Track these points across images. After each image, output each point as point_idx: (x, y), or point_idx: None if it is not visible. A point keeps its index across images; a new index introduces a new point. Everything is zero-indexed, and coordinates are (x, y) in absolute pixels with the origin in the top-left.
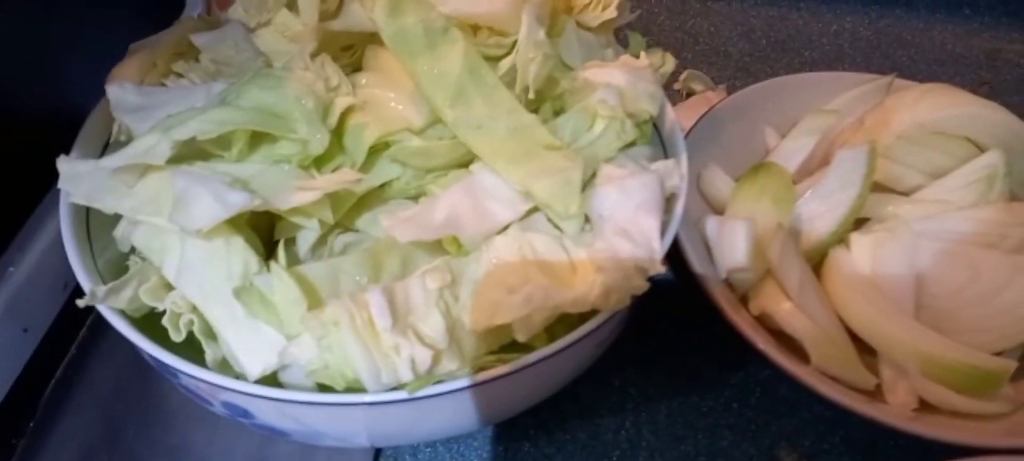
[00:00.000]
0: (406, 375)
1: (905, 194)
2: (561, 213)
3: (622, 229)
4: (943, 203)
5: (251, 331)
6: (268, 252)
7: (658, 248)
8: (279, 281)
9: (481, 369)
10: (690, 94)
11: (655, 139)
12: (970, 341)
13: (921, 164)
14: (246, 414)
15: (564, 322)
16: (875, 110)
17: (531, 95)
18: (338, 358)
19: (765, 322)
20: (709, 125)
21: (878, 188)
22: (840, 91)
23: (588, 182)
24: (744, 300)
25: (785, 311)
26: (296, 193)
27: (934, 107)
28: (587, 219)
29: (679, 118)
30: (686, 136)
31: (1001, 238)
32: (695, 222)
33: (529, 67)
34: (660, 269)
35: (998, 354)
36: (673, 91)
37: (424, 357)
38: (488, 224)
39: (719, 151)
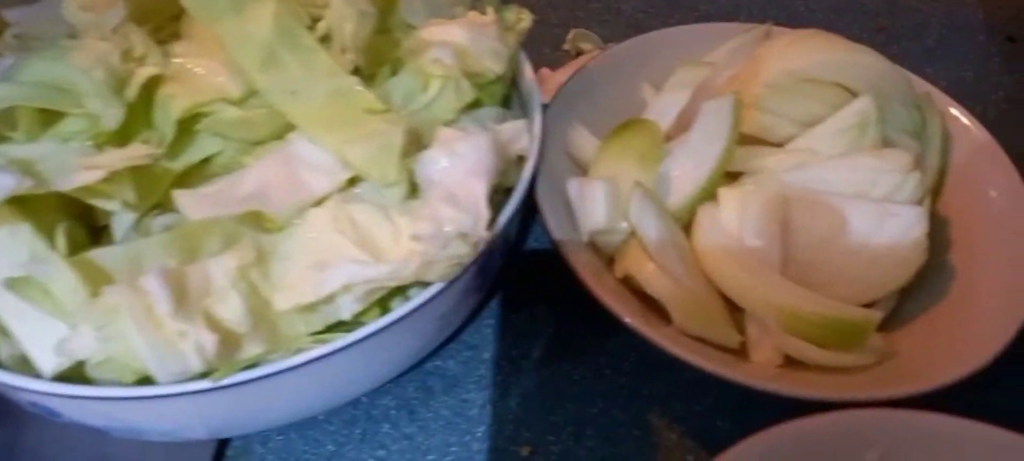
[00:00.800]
0: (195, 363)
1: (779, 145)
2: (380, 180)
3: (450, 195)
4: (813, 153)
5: (41, 325)
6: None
7: (485, 214)
8: (55, 269)
9: (300, 351)
10: (579, 54)
11: (518, 101)
12: (841, 292)
13: (794, 113)
14: (54, 413)
15: (404, 295)
16: (748, 60)
17: (350, 55)
18: (122, 349)
19: (631, 285)
20: (582, 83)
21: (752, 141)
22: (720, 43)
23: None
24: (612, 264)
25: (648, 272)
26: (80, 173)
27: (803, 53)
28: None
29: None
30: (557, 96)
31: (871, 185)
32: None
33: (344, 26)
34: (485, 236)
35: (872, 304)
36: (562, 52)
37: (210, 342)
38: (301, 196)
39: (594, 111)
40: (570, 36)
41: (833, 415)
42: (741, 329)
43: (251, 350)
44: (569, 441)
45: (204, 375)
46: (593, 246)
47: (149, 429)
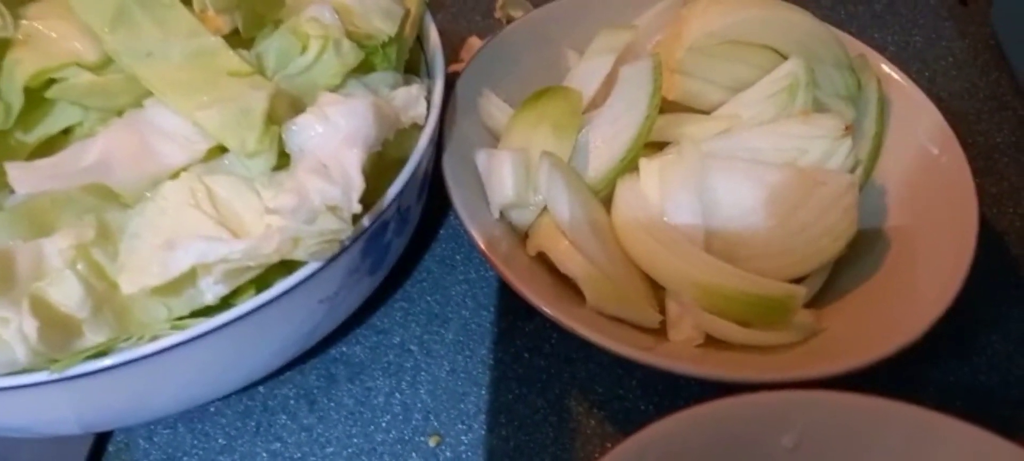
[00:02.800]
0: (22, 352)
1: (708, 112)
2: (238, 149)
3: (320, 165)
4: (739, 119)
5: None
6: None
7: (358, 185)
8: None
9: (155, 339)
10: (510, 21)
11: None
12: (769, 267)
13: (721, 78)
14: None
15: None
16: (674, 21)
17: (223, 17)
18: None
19: (546, 262)
20: (499, 49)
21: (677, 108)
22: (649, 6)
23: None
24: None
25: (560, 250)
26: None
27: (724, 13)
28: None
29: None
30: (471, 62)
31: (800, 153)
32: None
33: None
34: (357, 209)
35: (802, 279)
36: (493, 19)
37: (32, 329)
38: (152, 168)
39: (512, 79)
40: (500, 3)
41: (748, 397)
42: (662, 308)
43: (94, 338)
44: (481, 430)
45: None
46: (506, 223)
47: (5, 424)
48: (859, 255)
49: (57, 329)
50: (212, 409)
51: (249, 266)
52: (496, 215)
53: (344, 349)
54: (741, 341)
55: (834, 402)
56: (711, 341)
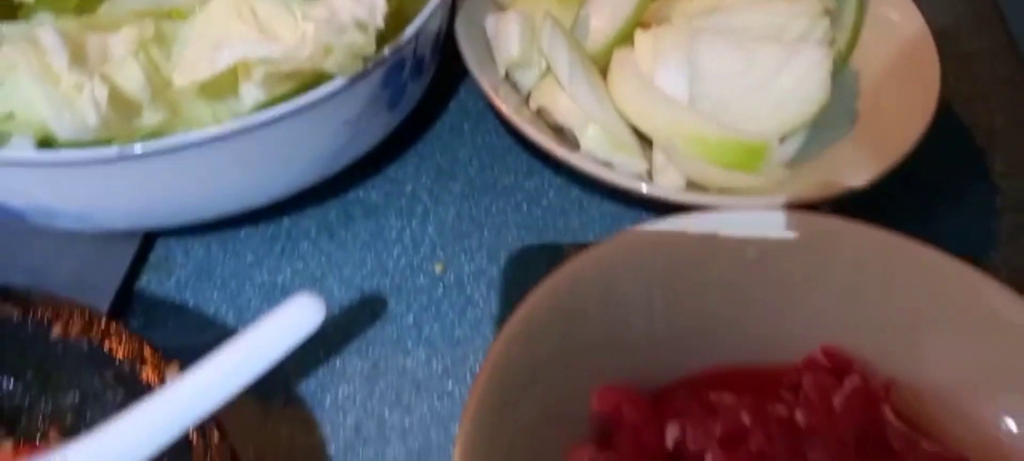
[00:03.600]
0: (91, 116)
1: None
2: None
3: None
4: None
5: None
6: None
7: (382, 6)
8: None
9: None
10: None
11: None
12: (748, 128)
13: None
14: None
15: None
16: None
17: None
18: (22, 103)
19: (545, 118)
20: None
21: None
22: None
23: None
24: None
25: (560, 104)
26: None
27: None
28: None
29: None
30: None
31: (781, 30)
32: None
33: None
34: (380, 25)
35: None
36: None
37: (103, 96)
38: None
39: None
40: None
41: (716, 213)
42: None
43: (150, 119)
44: (482, 262)
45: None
46: (511, 85)
47: (63, 211)
48: (831, 124)
49: (121, 104)
50: (242, 233)
51: (285, 72)
52: (502, 73)
53: (361, 194)
54: (722, 183)
55: (795, 219)
56: (692, 188)
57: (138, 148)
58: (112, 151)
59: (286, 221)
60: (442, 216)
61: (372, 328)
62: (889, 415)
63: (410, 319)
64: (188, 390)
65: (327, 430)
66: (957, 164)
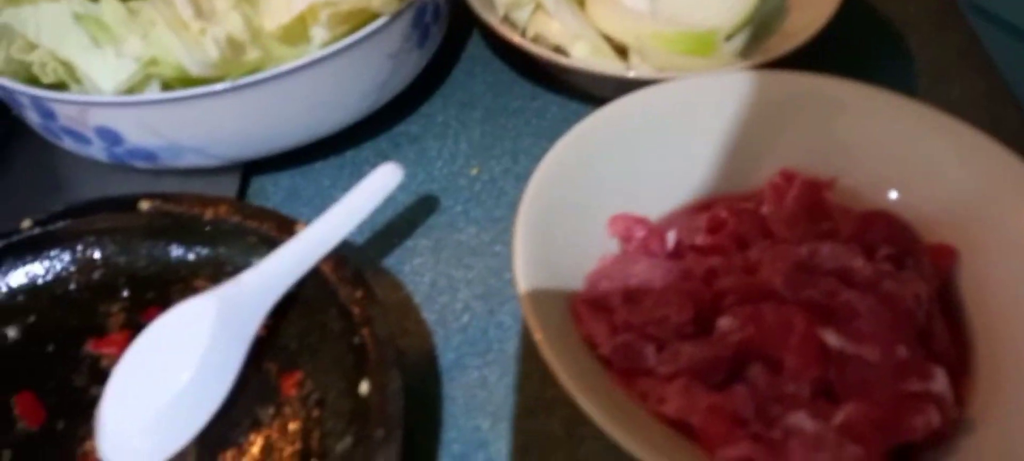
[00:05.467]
0: (213, 51)
1: None
2: None
3: None
4: None
5: (100, 57)
6: None
7: None
8: (107, 5)
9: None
10: None
11: None
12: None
13: None
14: (117, 139)
15: None
16: None
17: None
18: (161, 49)
19: (541, 43)
20: None
21: None
22: None
23: None
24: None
25: (552, 27)
26: None
27: None
28: None
29: None
30: None
31: None
32: None
33: None
34: None
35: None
36: None
37: (222, 35)
38: None
39: None
40: None
41: (675, 83)
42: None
43: (252, 55)
44: (508, 163)
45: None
46: (510, 23)
47: (186, 144)
48: (773, 17)
49: (231, 45)
50: (316, 166)
51: (344, 13)
52: (501, 15)
53: (402, 128)
54: (684, 67)
55: (748, 76)
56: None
57: (244, 81)
58: (226, 85)
59: (349, 153)
60: (470, 135)
61: (430, 217)
62: (830, 198)
63: (458, 208)
64: (314, 235)
65: (410, 288)
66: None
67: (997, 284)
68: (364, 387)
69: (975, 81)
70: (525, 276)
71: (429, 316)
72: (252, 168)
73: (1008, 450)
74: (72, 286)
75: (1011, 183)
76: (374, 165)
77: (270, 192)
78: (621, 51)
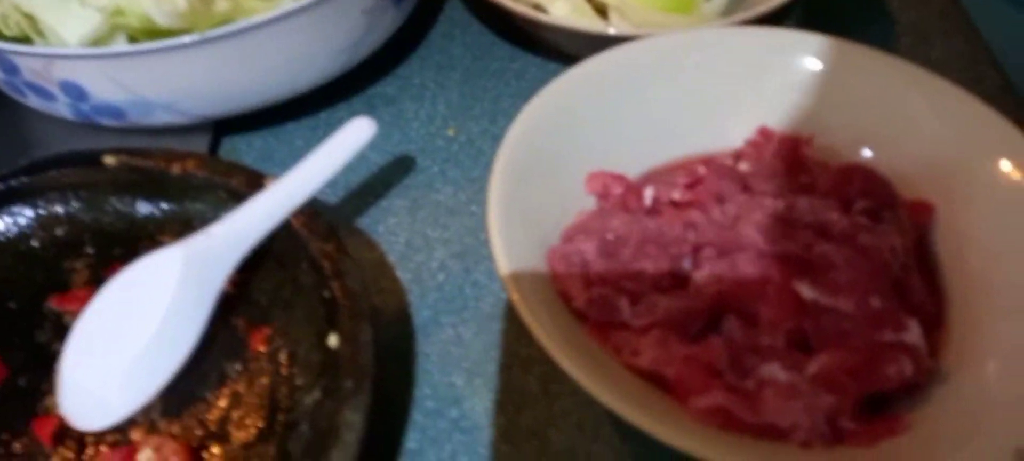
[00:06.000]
0: (181, 1)
1: None
2: None
3: None
4: None
5: (64, 8)
6: None
7: None
8: None
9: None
10: None
11: None
12: None
13: None
14: (83, 95)
15: None
16: None
17: None
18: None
19: (520, 2)
20: None
21: None
22: None
23: None
24: None
25: None
26: None
27: None
28: None
29: None
30: None
31: None
32: None
33: None
34: None
35: None
36: None
37: None
38: None
39: None
40: None
41: (653, 39)
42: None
43: (222, 6)
44: (486, 124)
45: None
46: None
47: (154, 99)
48: None
49: None
50: (289, 126)
51: None
52: None
53: (379, 89)
54: (666, 23)
55: (724, 33)
56: None
57: (213, 33)
58: (194, 36)
59: (323, 114)
60: (448, 97)
61: (406, 177)
62: (808, 153)
63: (435, 169)
64: (285, 188)
65: (384, 247)
66: None
67: (973, 238)
68: (333, 340)
69: (956, 42)
70: (499, 232)
71: (404, 275)
72: (223, 127)
73: (980, 399)
74: (35, 242)
75: (989, 137)
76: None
77: (242, 152)
78: (601, 10)
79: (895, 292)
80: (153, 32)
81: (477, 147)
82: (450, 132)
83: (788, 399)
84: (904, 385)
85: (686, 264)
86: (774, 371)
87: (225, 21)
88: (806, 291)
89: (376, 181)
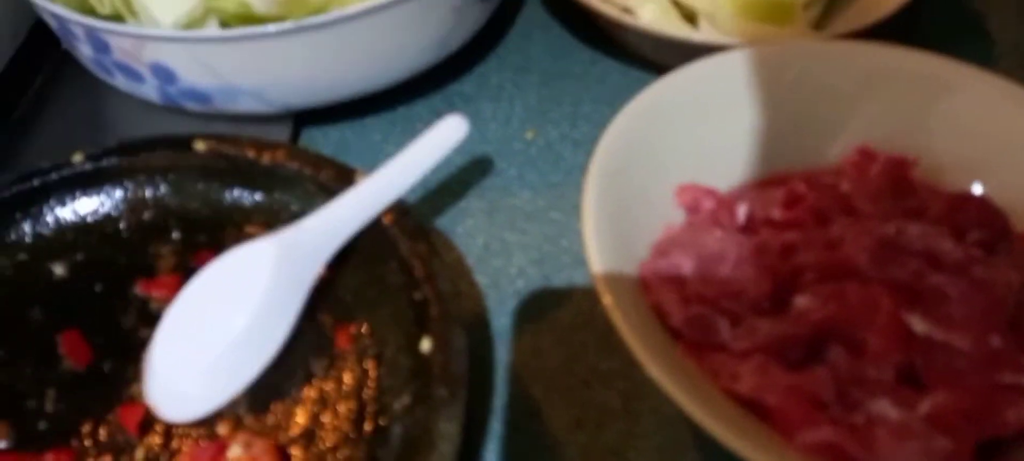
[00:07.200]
0: None
1: None
2: None
3: None
4: None
5: None
6: None
7: None
8: None
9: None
10: None
11: None
12: None
13: None
14: (171, 78)
15: None
16: None
17: None
18: None
19: (608, 3)
20: None
21: None
22: None
23: None
24: None
25: None
26: None
27: None
28: None
29: None
30: None
31: None
32: None
33: None
34: None
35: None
36: None
37: None
38: None
39: None
40: None
41: (749, 50)
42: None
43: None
44: (565, 128)
45: None
46: None
47: (242, 86)
48: None
49: None
50: (367, 121)
51: None
52: None
53: (457, 87)
54: (761, 36)
55: (822, 47)
56: None
57: (307, 22)
58: (288, 24)
59: (401, 110)
60: (525, 99)
61: (484, 179)
62: (915, 177)
63: (513, 172)
64: (376, 184)
65: (462, 249)
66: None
67: None
68: (425, 344)
69: None
70: (595, 240)
71: (482, 279)
72: (303, 119)
73: None
74: (122, 225)
75: None
76: (427, 123)
77: (319, 144)
78: (689, 17)
79: (1011, 330)
80: (246, 18)
81: (556, 152)
82: (529, 135)
83: (902, 440)
84: (1022, 431)
85: (787, 287)
86: (884, 407)
87: (318, 11)
88: (917, 324)
89: (453, 182)
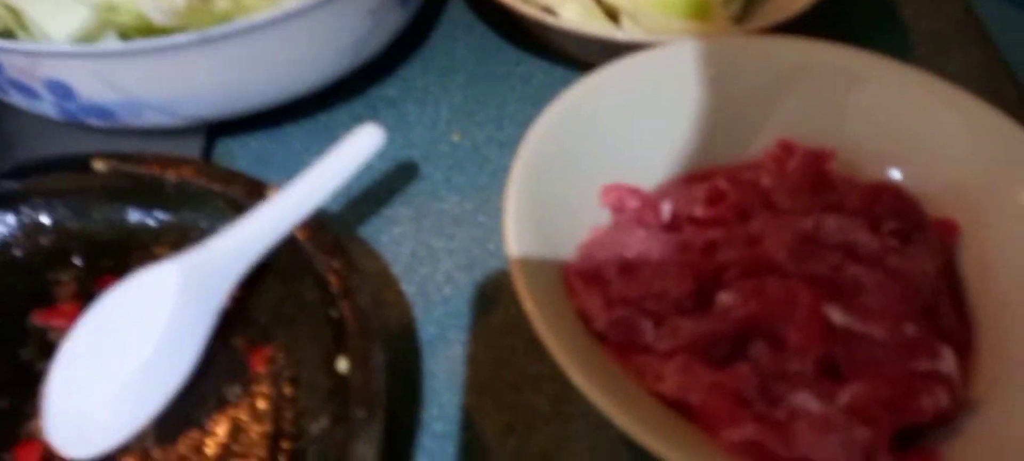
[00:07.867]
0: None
1: None
2: None
3: None
4: None
5: (52, 3)
6: None
7: None
8: None
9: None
10: None
11: None
12: None
13: None
14: (70, 94)
15: None
16: None
17: None
18: None
19: (529, 4)
20: None
21: None
22: None
23: None
24: None
25: None
26: None
27: None
28: None
29: None
30: None
31: None
32: None
33: None
34: None
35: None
36: None
37: None
38: None
39: None
40: None
41: (670, 47)
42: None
43: (222, 4)
44: (492, 130)
45: None
46: None
47: (147, 100)
48: None
49: None
50: (286, 128)
51: None
52: None
53: (380, 91)
54: (680, 30)
55: (741, 43)
56: None
57: (213, 32)
58: (193, 35)
59: (322, 117)
60: (451, 101)
61: (410, 185)
62: (833, 169)
63: (439, 176)
64: (289, 199)
65: (388, 258)
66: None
67: (1001, 261)
68: (342, 364)
69: (973, 53)
70: (517, 245)
71: (409, 288)
72: (217, 130)
73: (1012, 431)
74: (17, 252)
75: (1019, 158)
76: (349, 129)
77: (237, 156)
78: (612, 15)
79: (927, 318)
80: (147, 30)
81: (482, 154)
82: (455, 138)
83: (823, 433)
84: (939, 417)
85: (710, 285)
86: (806, 400)
87: (224, 20)
88: (837, 315)
89: (378, 188)
